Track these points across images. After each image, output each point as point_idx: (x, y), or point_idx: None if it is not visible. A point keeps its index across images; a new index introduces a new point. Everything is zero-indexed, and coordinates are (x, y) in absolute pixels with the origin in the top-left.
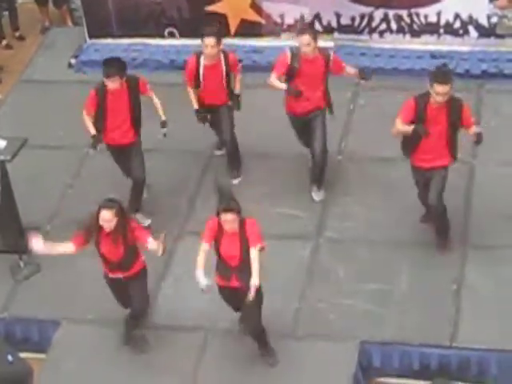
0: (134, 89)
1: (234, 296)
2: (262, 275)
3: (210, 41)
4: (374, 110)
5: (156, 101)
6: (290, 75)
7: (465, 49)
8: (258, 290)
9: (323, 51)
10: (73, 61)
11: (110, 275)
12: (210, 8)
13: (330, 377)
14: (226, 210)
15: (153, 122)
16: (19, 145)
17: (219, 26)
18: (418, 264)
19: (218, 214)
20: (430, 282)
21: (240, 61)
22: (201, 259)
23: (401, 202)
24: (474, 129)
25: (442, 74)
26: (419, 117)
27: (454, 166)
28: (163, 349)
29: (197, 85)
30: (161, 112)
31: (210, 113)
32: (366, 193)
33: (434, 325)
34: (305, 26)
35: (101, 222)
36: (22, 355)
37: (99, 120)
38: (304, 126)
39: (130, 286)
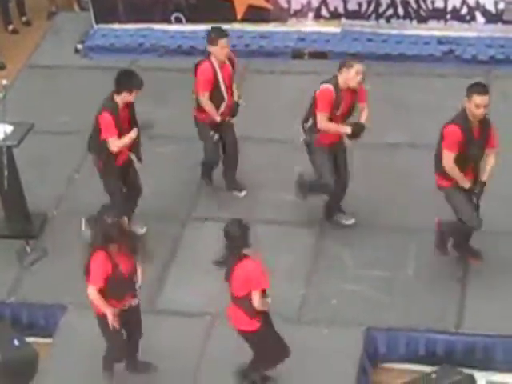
0: None
1: None
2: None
3: (226, 41)
4: (381, 95)
5: None
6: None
7: (472, 35)
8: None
9: None
10: (79, 46)
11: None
12: None
13: (335, 363)
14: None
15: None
16: (25, 130)
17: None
18: (424, 250)
19: None
20: (435, 269)
21: (246, 45)
22: None
23: (407, 187)
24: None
25: (481, 85)
26: (468, 140)
27: None
28: (168, 334)
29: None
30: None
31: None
32: (371, 179)
33: (440, 311)
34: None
35: None
36: (29, 340)
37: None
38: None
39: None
